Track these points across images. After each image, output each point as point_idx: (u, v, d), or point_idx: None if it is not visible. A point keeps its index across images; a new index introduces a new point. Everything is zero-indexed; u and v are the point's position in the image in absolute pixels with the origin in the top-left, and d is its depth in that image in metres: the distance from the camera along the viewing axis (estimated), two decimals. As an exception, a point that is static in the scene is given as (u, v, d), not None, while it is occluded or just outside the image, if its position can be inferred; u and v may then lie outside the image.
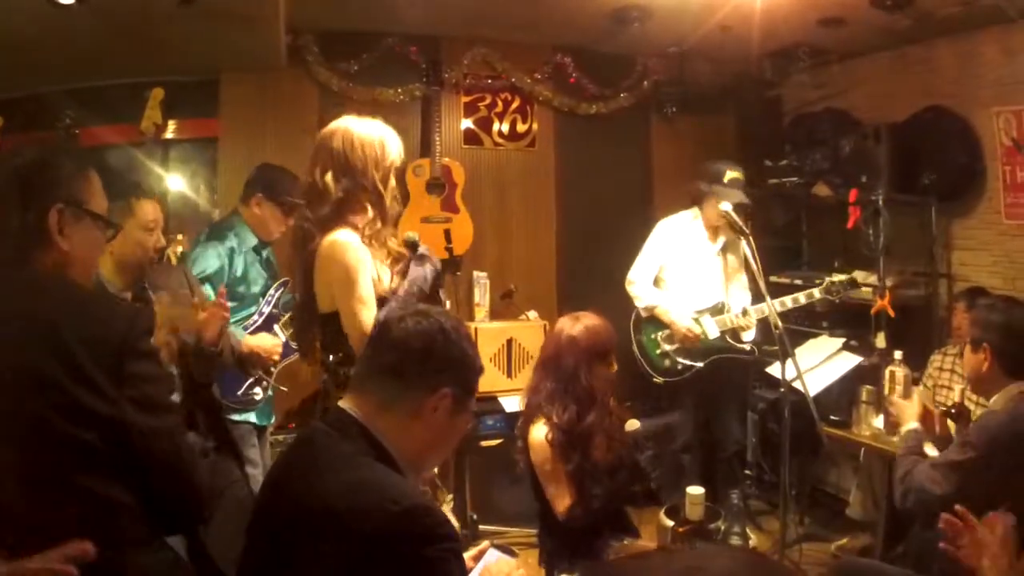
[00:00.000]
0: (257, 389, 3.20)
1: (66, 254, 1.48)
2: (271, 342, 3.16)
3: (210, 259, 3.14)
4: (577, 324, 2.72)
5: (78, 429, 1.34)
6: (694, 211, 4.18)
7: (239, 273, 3.23)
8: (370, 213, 2.38)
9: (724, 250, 4.18)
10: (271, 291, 3.32)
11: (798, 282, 4.43)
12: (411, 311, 1.70)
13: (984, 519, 1.86)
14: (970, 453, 2.29)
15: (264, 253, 3.39)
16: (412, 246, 2.49)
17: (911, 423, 2.78)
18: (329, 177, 2.33)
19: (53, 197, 1.47)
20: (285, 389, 3.41)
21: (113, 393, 1.37)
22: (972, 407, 2.99)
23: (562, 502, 2.62)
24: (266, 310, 3.28)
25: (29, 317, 1.38)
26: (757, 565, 1.30)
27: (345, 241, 2.30)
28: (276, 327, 3.26)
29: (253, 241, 3.32)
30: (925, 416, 2.81)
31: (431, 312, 1.69)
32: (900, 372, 3.25)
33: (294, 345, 3.22)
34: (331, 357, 2.38)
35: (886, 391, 3.32)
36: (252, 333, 3.18)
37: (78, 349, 1.35)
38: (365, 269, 2.30)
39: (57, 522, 1.31)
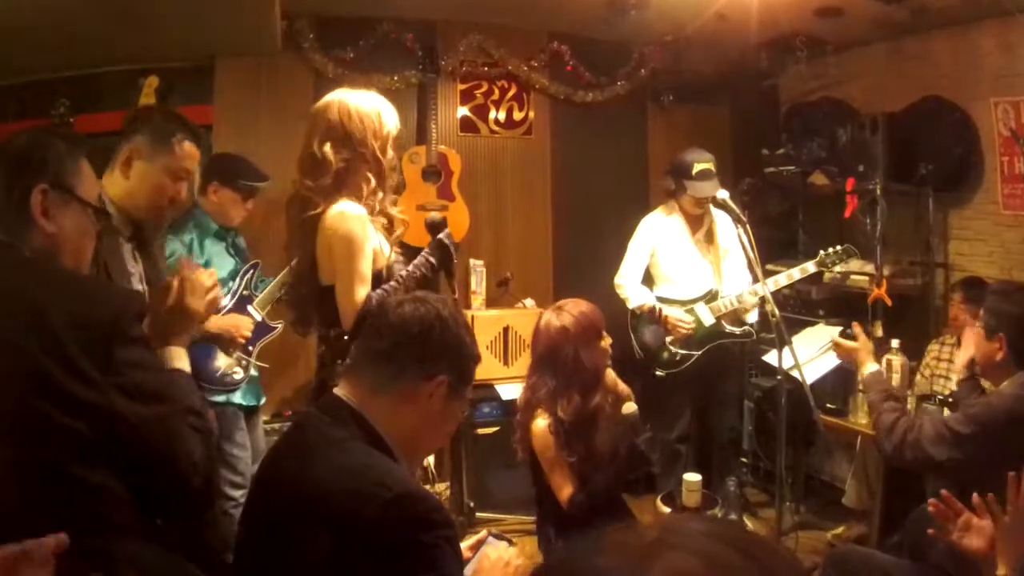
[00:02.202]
0: (237, 369, 3.20)
1: (53, 238, 1.45)
2: (238, 321, 3.17)
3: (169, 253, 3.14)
4: (562, 314, 2.71)
5: (66, 417, 1.29)
6: (671, 204, 4.18)
7: (201, 263, 3.21)
8: (372, 183, 2.39)
9: (708, 239, 4.17)
10: (240, 273, 3.34)
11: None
12: (408, 297, 1.69)
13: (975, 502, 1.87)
14: (973, 428, 2.33)
15: (230, 238, 3.41)
16: (434, 228, 2.51)
17: (870, 364, 2.79)
18: (328, 148, 2.34)
19: (38, 178, 1.44)
20: (266, 366, 3.42)
21: (100, 380, 1.32)
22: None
23: (565, 490, 2.61)
24: (235, 293, 3.29)
25: (15, 299, 1.34)
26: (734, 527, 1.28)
27: (354, 214, 2.31)
28: (250, 308, 3.29)
29: (214, 228, 3.34)
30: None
31: (428, 298, 1.68)
32: (897, 360, 3.25)
33: (272, 324, 3.32)
34: (332, 331, 2.38)
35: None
36: (224, 316, 3.19)
37: (65, 333, 1.31)
38: (368, 244, 2.31)
39: (45, 511, 1.27)
